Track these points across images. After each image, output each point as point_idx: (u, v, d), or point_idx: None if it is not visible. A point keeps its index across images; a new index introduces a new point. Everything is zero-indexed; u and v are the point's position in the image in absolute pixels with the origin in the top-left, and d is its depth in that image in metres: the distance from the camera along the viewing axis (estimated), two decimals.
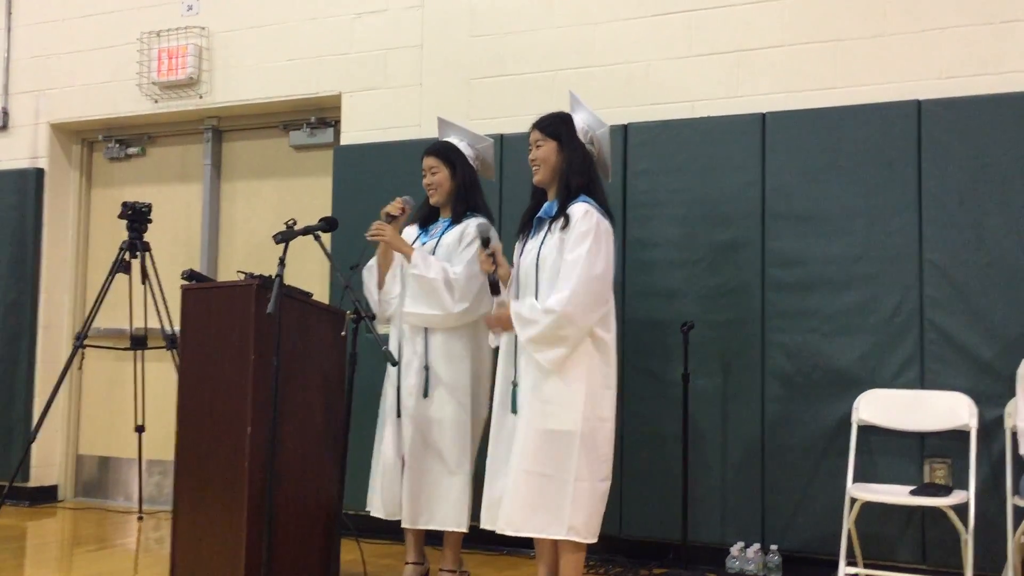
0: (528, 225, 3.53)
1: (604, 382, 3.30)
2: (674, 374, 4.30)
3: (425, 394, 3.76)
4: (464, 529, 3.75)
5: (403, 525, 3.80)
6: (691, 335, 4.23)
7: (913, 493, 3.76)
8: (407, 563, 3.92)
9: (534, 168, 3.51)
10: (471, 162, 3.97)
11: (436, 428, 3.75)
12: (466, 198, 3.90)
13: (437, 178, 3.91)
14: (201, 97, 5.85)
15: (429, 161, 3.94)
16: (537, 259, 3.38)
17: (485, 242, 3.58)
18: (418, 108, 5.23)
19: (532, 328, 3.26)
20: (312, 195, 5.66)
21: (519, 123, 4.89)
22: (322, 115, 5.73)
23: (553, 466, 3.21)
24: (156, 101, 5.98)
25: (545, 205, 3.49)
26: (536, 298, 3.34)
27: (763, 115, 4.38)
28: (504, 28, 5.09)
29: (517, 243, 3.58)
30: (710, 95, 4.59)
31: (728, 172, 4.40)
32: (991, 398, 3.87)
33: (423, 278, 3.71)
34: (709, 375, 4.34)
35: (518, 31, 5.06)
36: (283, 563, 3.54)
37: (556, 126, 3.49)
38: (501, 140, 4.79)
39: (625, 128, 4.62)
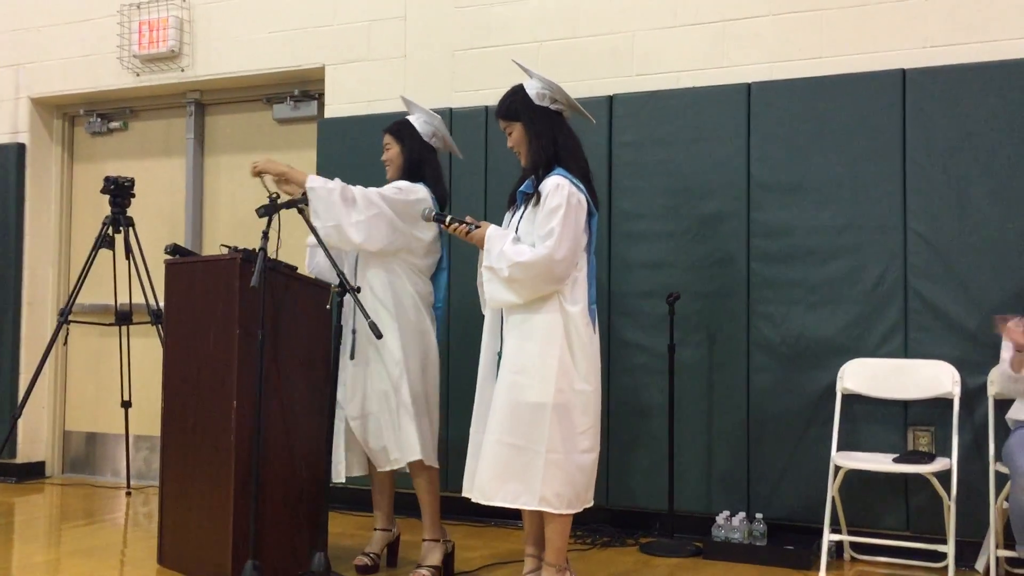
0: (513, 199, 3.50)
1: (581, 353, 3.28)
2: (660, 345, 4.32)
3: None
4: (416, 456, 3.71)
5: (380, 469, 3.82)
6: (676, 306, 4.25)
7: (896, 461, 3.80)
8: (375, 529, 3.95)
9: (517, 154, 3.48)
10: (428, 139, 3.99)
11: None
12: (412, 172, 3.91)
13: (390, 154, 3.97)
14: (183, 70, 5.80)
15: (384, 139, 4.01)
16: (516, 233, 3.35)
17: (439, 219, 3.52)
18: (402, 80, 5.20)
19: (488, 259, 3.31)
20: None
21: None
22: (305, 88, 5.69)
23: (525, 437, 3.21)
24: (138, 75, 5.93)
25: (525, 185, 3.44)
26: None
27: (748, 85, 4.37)
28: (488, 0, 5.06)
29: (505, 217, 3.57)
30: (695, 65, 4.58)
31: (713, 143, 4.39)
32: (974, 366, 3.90)
33: (322, 188, 3.64)
34: (695, 346, 4.36)
35: (503, 2, 5.02)
36: (271, 536, 3.55)
37: (513, 106, 3.42)
38: (486, 112, 4.77)
39: (611, 99, 4.60)
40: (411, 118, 4.02)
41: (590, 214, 3.35)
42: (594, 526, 4.43)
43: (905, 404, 4.02)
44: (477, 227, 3.39)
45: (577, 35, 4.85)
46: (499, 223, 3.50)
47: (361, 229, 3.62)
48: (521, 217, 3.38)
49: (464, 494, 3.37)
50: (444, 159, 4.78)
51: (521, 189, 3.41)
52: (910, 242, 4.05)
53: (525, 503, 3.23)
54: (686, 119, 4.46)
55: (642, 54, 4.71)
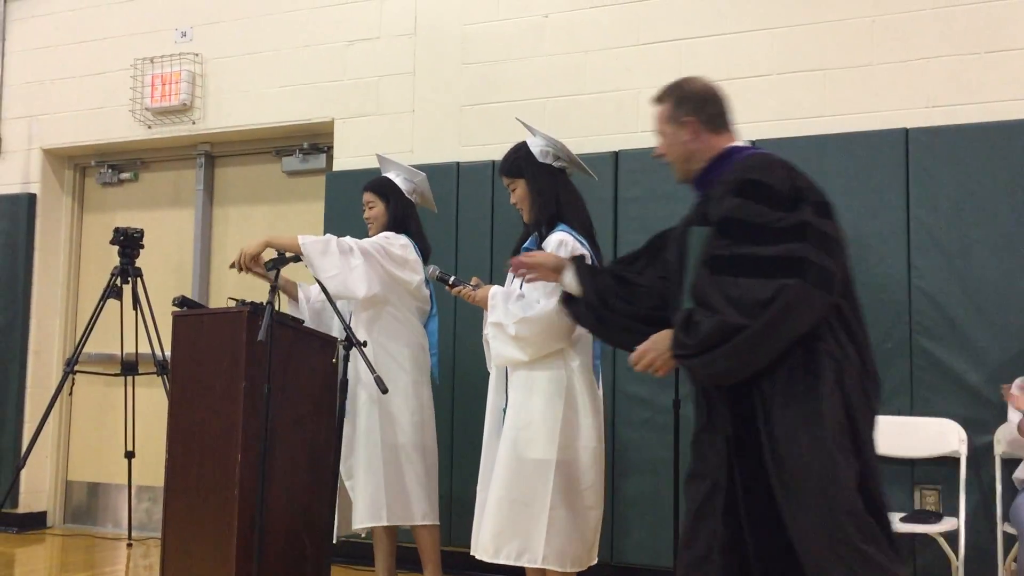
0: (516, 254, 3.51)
1: (585, 409, 3.28)
2: (665, 400, 4.31)
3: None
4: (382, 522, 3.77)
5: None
6: None
7: (904, 520, 3.77)
8: None
9: (519, 211, 3.48)
10: (408, 195, 4.07)
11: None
12: (396, 228, 3.98)
13: (374, 212, 4.04)
14: (194, 123, 5.88)
15: (366, 196, 4.07)
16: (521, 289, 3.34)
17: (443, 279, 3.47)
18: (410, 134, 5.26)
19: (494, 315, 3.29)
20: (304, 221, 5.67)
21: None
22: (314, 141, 5.76)
23: (529, 493, 3.19)
24: (149, 127, 6.01)
25: (529, 241, 3.45)
26: None
27: (751, 143, 4.40)
28: (495, 56, 5.14)
29: (508, 275, 3.58)
30: None
31: None
32: (980, 424, 3.88)
33: (316, 242, 3.71)
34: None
35: (509, 59, 5.10)
36: None
37: (516, 163, 3.44)
38: (493, 166, 4.82)
39: (616, 155, 4.65)
40: (390, 175, 4.09)
41: None
42: None
43: (912, 462, 4.00)
44: (476, 287, 3.40)
45: (583, 92, 4.92)
46: (502, 281, 3.52)
47: (362, 275, 3.68)
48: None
49: (472, 552, 3.34)
50: (451, 215, 4.85)
51: (525, 246, 3.43)
52: (915, 300, 4.06)
53: (529, 561, 3.20)
54: None
55: (647, 111, 4.72)
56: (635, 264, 2.84)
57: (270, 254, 3.75)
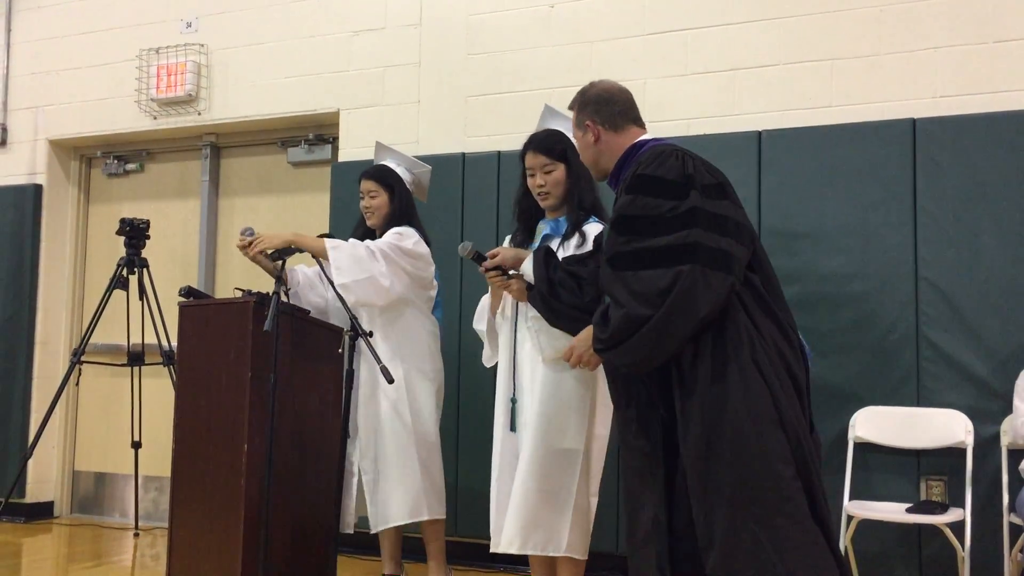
0: (522, 246, 3.42)
1: (603, 399, 3.30)
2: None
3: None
4: (425, 516, 3.79)
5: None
6: None
7: (910, 511, 3.77)
8: (383, 575, 3.96)
9: (543, 194, 3.35)
10: (407, 186, 4.02)
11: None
12: (400, 220, 3.92)
13: (376, 202, 3.93)
14: (199, 114, 5.88)
15: (367, 185, 3.95)
16: None
17: (479, 259, 3.23)
18: (415, 125, 5.25)
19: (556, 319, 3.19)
20: (309, 211, 5.68)
21: (516, 140, 4.91)
22: (320, 132, 5.76)
23: (557, 483, 3.20)
24: (155, 117, 6.01)
25: (549, 224, 3.39)
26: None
27: (759, 133, 4.40)
28: (501, 46, 5.13)
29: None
30: (706, 113, 4.62)
31: None
32: (987, 415, 3.88)
33: (341, 246, 3.68)
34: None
35: (515, 49, 5.09)
36: None
37: (562, 147, 3.34)
38: (499, 157, 4.82)
39: None
40: (391, 164, 4.03)
41: None
42: (605, 573, 4.39)
43: (918, 453, 3.99)
44: (513, 276, 3.24)
45: (588, 82, 4.89)
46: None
47: (388, 278, 3.68)
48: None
49: (493, 548, 3.29)
50: (456, 206, 4.84)
51: (547, 232, 3.35)
52: (921, 291, 4.05)
53: (553, 550, 3.22)
54: None
55: (653, 102, 4.76)
56: (592, 258, 3.02)
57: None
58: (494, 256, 3.19)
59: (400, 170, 4.03)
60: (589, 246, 3.23)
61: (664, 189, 2.43)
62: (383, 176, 3.99)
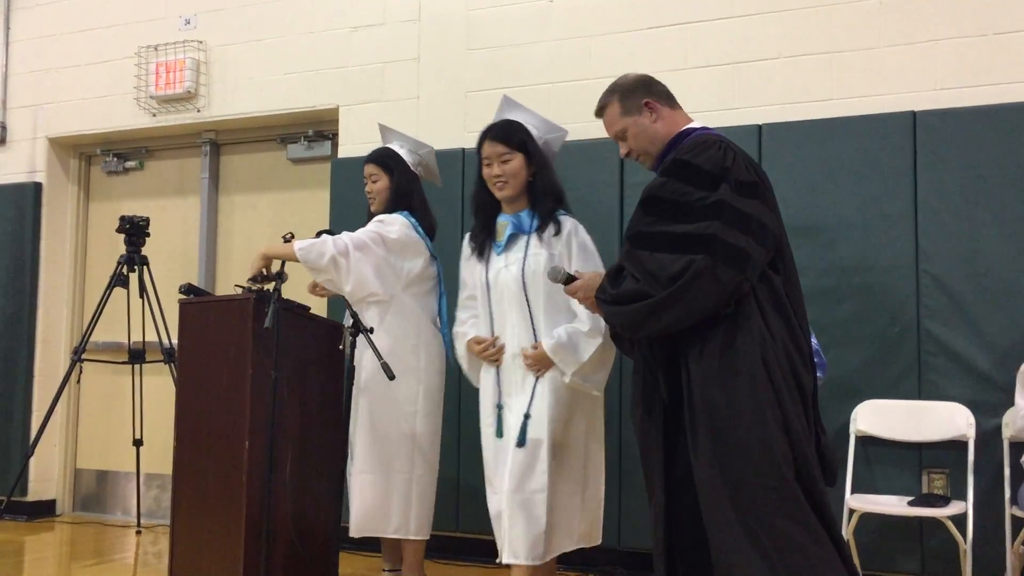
0: (484, 244, 3.41)
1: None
2: None
3: None
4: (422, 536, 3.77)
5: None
6: None
7: (912, 504, 3.77)
8: (384, 571, 3.97)
9: (499, 183, 3.34)
10: (413, 168, 3.93)
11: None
12: (399, 203, 3.82)
13: (377, 186, 3.85)
14: (199, 111, 5.87)
15: (368, 168, 3.88)
16: (523, 272, 3.31)
17: (570, 280, 2.81)
18: (415, 121, 5.24)
19: (588, 359, 3.22)
20: (309, 208, 5.67)
21: None
22: (319, 128, 5.75)
23: (580, 480, 3.33)
24: (154, 115, 6.00)
25: (511, 220, 3.37)
26: (531, 316, 3.30)
27: (759, 127, 4.39)
28: (501, 41, 5.12)
29: (468, 261, 3.50)
30: (706, 107, 4.59)
31: None
32: (988, 408, 3.87)
33: (311, 246, 3.60)
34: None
35: (515, 44, 5.08)
36: (282, 575, 3.54)
37: (519, 137, 3.35)
38: None
39: None
40: (394, 147, 3.95)
41: None
42: (607, 568, 4.39)
43: (920, 446, 3.99)
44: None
45: (588, 77, 4.89)
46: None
47: (350, 277, 3.63)
48: (526, 256, 3.32)
49: (511, 560, 3.20)
50: (456, 201, 4.82)
51: (514, 231, 3.35)
52: (922, 284, 4.04)
53: (579, 544, 3.31)
54: None
55: None
56: None
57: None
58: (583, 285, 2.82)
59: (404, 152, 3.92)
60: (572, 242, 3.28)
61: (697, 178, 2.43)
62: (382, 158, 3.90)
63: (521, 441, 3.20)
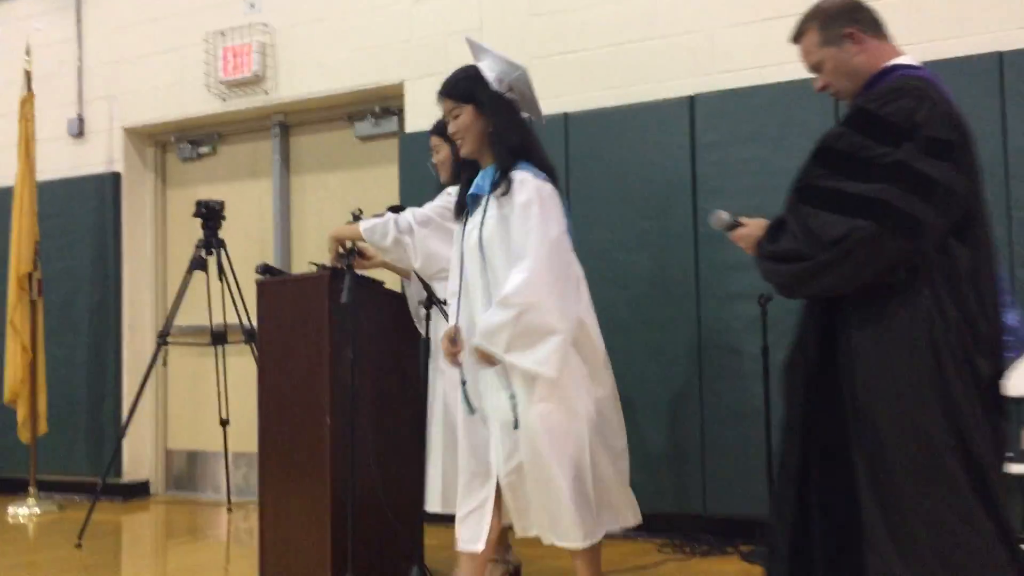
0: (464, 206, 3.16)
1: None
2: (752, 348, 4.22)
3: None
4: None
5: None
6: (769, 307, 4.14)
7: (1011, 460, 3.62)
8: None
9: (458, 141, 3.08)
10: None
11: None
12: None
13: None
14: (267, 93, 5.92)
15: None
16: (480, 239, 3.01)
17: (735, 226, 2.53)
18: None
19: (501, 335, 2.85)
20: (379, 184, 5.68)
21: (584, 100, 4.85)
22: (386, 104, 5.75)
23: (586, 461, 3.08)
24: (224, 100, 6.07)
25: (476, 179, 3.09)
26: (492, 287, 3.00)
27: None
28: (564, 5, 5.03)
29: (457, 230, 3.22)
30: (778, 60, 4.45)
31: (801, 138, 4.25)
32: None
33: (375, 226, 3.52)
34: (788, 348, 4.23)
35: (578, 7, 4.99)
36: (369, 549, 3.57)
37: (467, 86, 3.03)
38: (566, 118, 4.74)
39: (692, 100, 4.52)
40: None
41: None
42: (692, 534, 4.34)
43: (1019, 401, 3.82)
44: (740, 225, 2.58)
45: (654, 36, 4.79)
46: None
47: (417, 254, 3.55)
48: (483, 219, 3.02)
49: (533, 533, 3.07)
50: None
51: (473, 191, 3.08)
52: (1015, 232, 3.87)
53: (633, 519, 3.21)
54: (771, 116, 4.35)
55: (722, 52, 4.62)
56: None
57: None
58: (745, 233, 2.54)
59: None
60: (513, 202, 2.93)
61: (880, 131, 2.17)
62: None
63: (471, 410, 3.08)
